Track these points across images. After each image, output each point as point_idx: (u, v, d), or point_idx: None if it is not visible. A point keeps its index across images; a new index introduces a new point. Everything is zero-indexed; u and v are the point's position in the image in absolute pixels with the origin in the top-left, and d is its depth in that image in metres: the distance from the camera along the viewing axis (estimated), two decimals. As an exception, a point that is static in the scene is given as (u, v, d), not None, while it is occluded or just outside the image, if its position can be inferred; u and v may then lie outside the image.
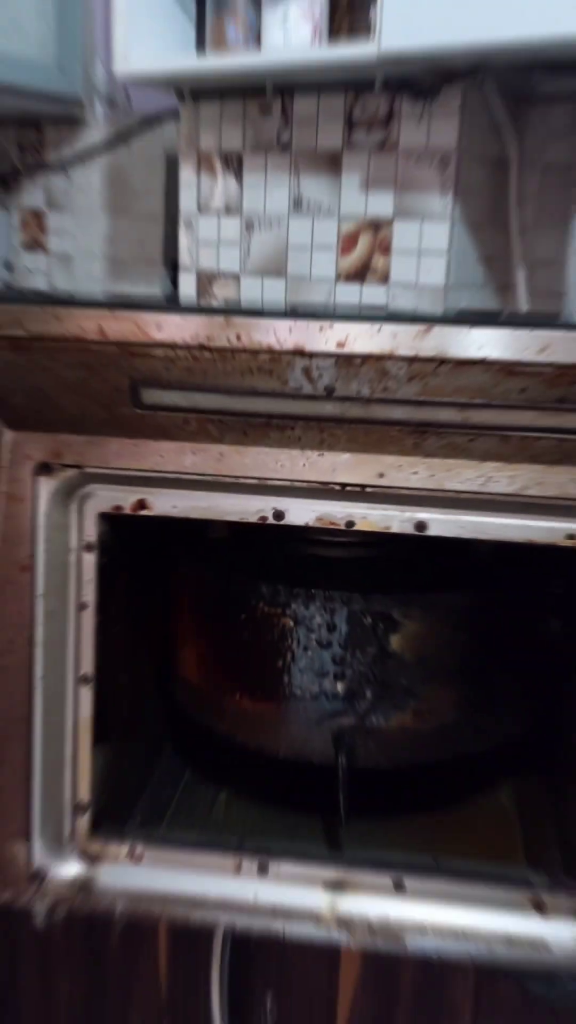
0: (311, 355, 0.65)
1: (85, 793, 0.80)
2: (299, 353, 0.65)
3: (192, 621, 0.99)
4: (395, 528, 0.72)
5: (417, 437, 0.68)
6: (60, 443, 0.74)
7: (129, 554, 0.83)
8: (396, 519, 0.72)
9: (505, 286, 1.22)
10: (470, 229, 1.14)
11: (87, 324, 0.67)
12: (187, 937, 0.95)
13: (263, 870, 0.79)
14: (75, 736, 0.79)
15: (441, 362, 0.64)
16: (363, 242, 1.19)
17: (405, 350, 0.64)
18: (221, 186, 1.27)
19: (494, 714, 0.92)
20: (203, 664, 0.98)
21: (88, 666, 0.79)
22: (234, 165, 1.25)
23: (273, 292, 1.27)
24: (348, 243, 1.20)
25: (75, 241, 1.59)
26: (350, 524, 0.72)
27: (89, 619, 0.78)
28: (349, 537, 0.78)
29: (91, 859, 0.81)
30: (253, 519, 0.73)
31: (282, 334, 0.65)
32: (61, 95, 1.47)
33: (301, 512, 0.73)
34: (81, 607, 0.78)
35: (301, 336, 0.65)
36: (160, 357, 0.67)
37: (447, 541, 0.72)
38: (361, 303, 1.19)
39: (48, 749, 0.79)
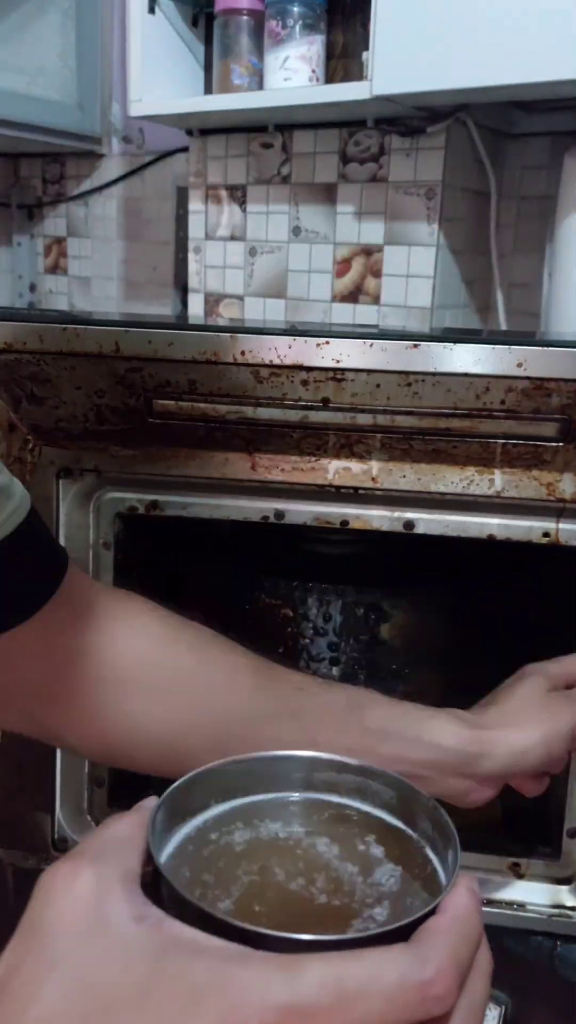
0: (309, 369, 0.65)
1: (102, 768, 0.80)
2: (298, 367, 0.65)
3: (200, 611, 0.98)
4: (385, 527, 0.71)
5: (405, 443, 0.68)
6: (80, 450, 0.73)
7: (143, 551, 0.83)
8: (386, 519, 0.71)
9: (486, 307, 1.22)
10: (454, 255, 1.14)
11: (104, 341, 0.66)
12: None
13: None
14: (94, 716, 0.78)
15: (427, 375, 0.64)
16: (356, 266, 1.19)
17: (395, 364, 0.64)
18: (227, 215, 1.27)
19: (477, 697, 0.91)
20: (210, 650, 0.97)
21: (106, 653, 0.78)
22: (239, 196, 1.25)
23: (274, 312, 1.27)
24: (342, 267, 1.20)
25: (93, 265, 1.59)
26: (344, 523, 0.72)
27: (106, 610, 0.78)
28: (343, 535, 0.77)
29: (108, 828, 0.81)
30: (256, 519, 0.73)
31: (282, 350, 0.65)
32: (81, 133, 1.47)
33: (300, 513, 0.72)
34: (99, 599, 0.78)
35: (300, 352, 0.65)
36: (171, 371, 0.67)
37: (433, 538, 0.72)
38: (354, 322, 1.19)
39: (69, 728, 0.78)
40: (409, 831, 0.38)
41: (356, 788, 0.40)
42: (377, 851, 0.37)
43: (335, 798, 0.40)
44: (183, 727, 0.54)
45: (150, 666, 0.53)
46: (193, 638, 0.56)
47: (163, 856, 0.35)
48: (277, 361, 0.65)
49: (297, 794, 0.40)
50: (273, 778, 0.40)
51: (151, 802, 0.36)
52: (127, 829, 0.35)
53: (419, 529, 0.71)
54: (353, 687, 0.60)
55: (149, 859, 0.34)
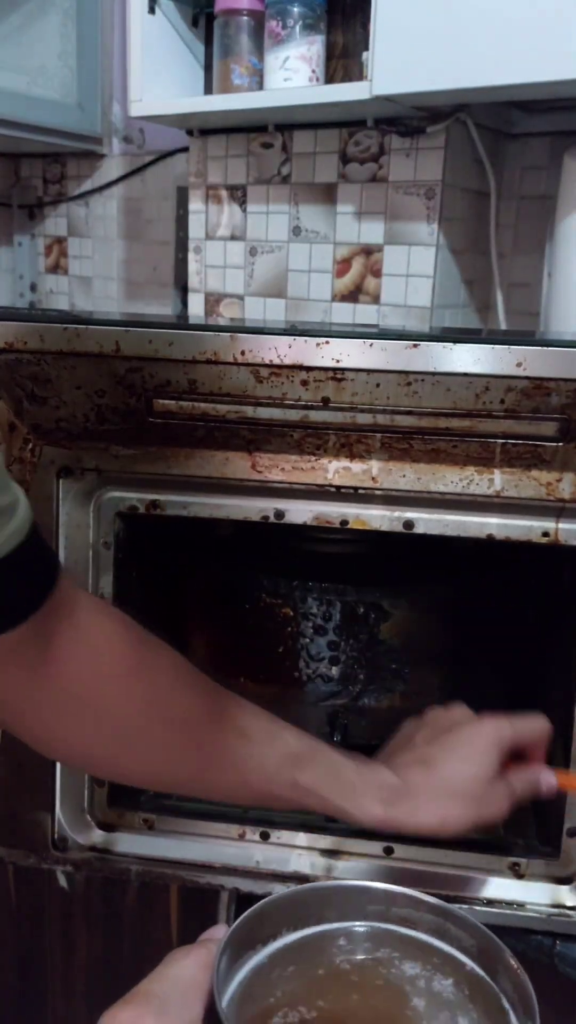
0: (309, 369, 0.65)
1: (103, 768, 0.80)
2: (298, 367, 0.65)
3: (200, 611, 0.99)
4: (385, 527, 0.71)
5: (405, 443, 0.68)
6: (80, 450, 0.73)
7: (143, 550, 0.83)
8: (386, 518, 0.71)
9: (485, 306, 1.22)
10: (453, 254, 1.14)
11: (104, 341, 0.66)
12: (196, 898, 0.94)
13: (265, 838, 0.79)
14: (94, 716, 0.78)
15: (427, 375, 0.64)
16: (356, 266, 1.19)
17: (395, 364, 0.64)
18: (227, 215, 1.27)
19: (475, 696, 0.91)
20: (210, 650, 0.97)
21: (106, 652, 0.78)
22: (239, 196, 1.25)
23: (274, 312, 1.26)
24: (342, 267, 1.20)
25: (94, 265, 1.59)
26: (344, 523, 0.72)
27: (107, 609, 0.78)
28: (343, 535, 0.77)
29: (108, 828, 0.81)
30: (256, 518, 0.73)
31: (282, 350, 0.65)
32: (82, 133, 1.47)
33: (300, 512, 0.72)
34: (100, 598, 0.78)
35: (300, 352, 0.65)
36: (171, 371, 0.67)
37: (432, 538, 0.71)
38: (354, 322, 1.19)
39: (69, 728, 0.78)
40: (490, 982, 0.36)
41: (435, 928, 0.38)
42: (455, 993, 0.35)
43: (414, 933, 0.38)
44: (127, 758, 0.55)
45: (108, 693, 0.53)
46: (155, 672, 0.55)
47: (226, 998, 0.34)
48: (277, 361, 0.65)
49: (370, 925, 0.38)
50: (346, 908, 0.38)
51: (219, 932, 0.35)
52: (192, 971, 0.35)
53: (419, 529, 0.71)
54: (300, 738, 0.60)
55: (213, 1004, 0.33)
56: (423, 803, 0.59)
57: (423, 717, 0.67)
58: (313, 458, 0.70)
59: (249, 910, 0.36)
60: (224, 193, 1.25)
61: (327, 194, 1.17)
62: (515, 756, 0.64)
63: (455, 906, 0.38)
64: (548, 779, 0.65)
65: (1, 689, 0.51)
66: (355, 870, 0.76)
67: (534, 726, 0.65)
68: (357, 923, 0.38)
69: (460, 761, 0.61)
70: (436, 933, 0.38)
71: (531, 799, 0.65)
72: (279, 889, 0.77)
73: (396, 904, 0.39)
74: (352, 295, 1.18)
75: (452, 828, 0.60)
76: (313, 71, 1.10)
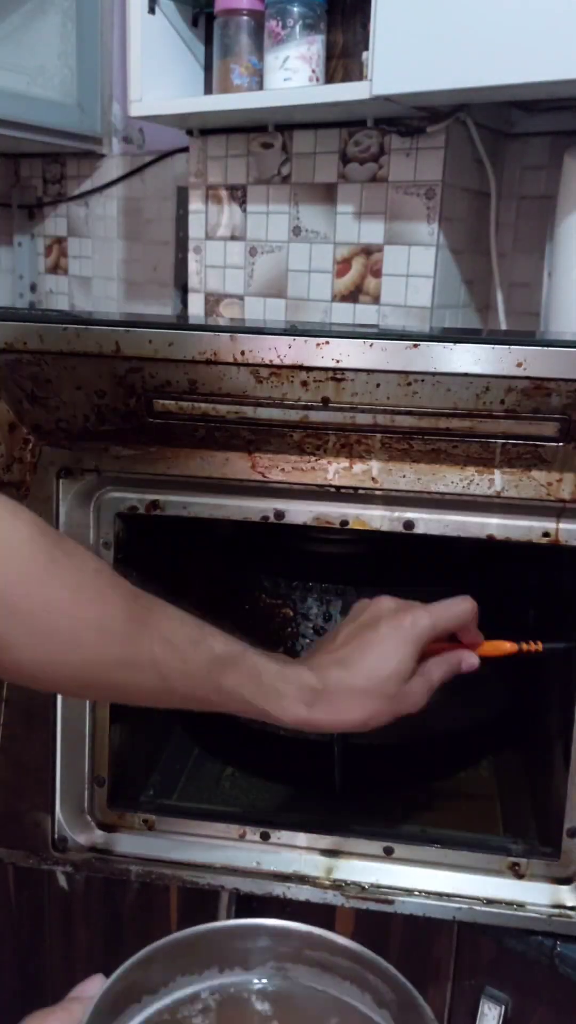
0: (309, 369, 0.65)
1: (103, 769, 0.80)
2: (298, 367, 0.65)
3: (200, 611, 0.98)
4: (385, 527, 0.71)
5: (405, 443, 0.68)
6: (80, 450, 0.73)
7: (143, 550, 0.83)
8: (386, 519, 0.71)
9: (485, 306, 1.22)
10: (453, 254, 1.14)
11: (104, 341, 0.66)
12: (196, 898, 0.94)
13: (265, 838, 0.78)
14: (93, 717, 0.78)
15: (427, 375, 0.64)
16: (356, 266, 1.18)
17: (395, 364, 0.64)
18: (227, 215, 1.27)
19: (476, 695, 0.91)
20: (210, 650, 0.97)
21: (106, 652, 0.78)
22: (239, 196, 1.25)
23: (274, 312, 1.26)
24: (342, 267, 1.19)
25: (93, 265, 1.59)
26: (344, 523, 0.72)
27: (107, 610, 0.78)
28: (343, 535, 0.77)
29: (108, 828, 0.81)
30: (256, 519, 0.73)
31: (282, 350, 0.65)
32: (82, 133, 1.47)
33: (299, 512, 0.72)
34: (99, 599, 0.78)
35: (300, 352, 0.65)
36: (171, 371, 0.67)
37: (433, 538, 0.71)
38: (354, 322, 1.19)
39: (69, 729, 0.78)
40: None
41: (352, 975, 0.34)
42: None
43: (324, 987, 0.34)
44: (47, 660, 0.53)
45: (22, 595, 0.51)
46: (71, 575, 0.54)
47: None
48: (277, 361, 0.65)
49: (278, 973, 0.33)
50: (253, 950, 0.34)
51: (91, 987, 0.31)
52: None
53: (419, 529, 0.71)
54: (226, 643, 0.60)
55: None
56: (343, 703, 0.60)
57: (350, 612, 0.67)
58: (313, 458, 0.70)
59: (133, 957, 0.32)
60: (224, 193, 1.25)
61: (327, 194, 1.17)
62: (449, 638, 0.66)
63: (370, 955, 0.35)
64: (468, 659, 0.67)
65: None
66: (355, 870, 0.76)
67: (455, 611, 0.66)
68: (261, 974, 0.34)
69: (376, 659, 0.61)
70: (353, 980, 0.35)
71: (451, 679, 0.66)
72: (279, 889, 0.77)
73: (311, 947, 0.35)
74: (352, 295, 1.18)
75: (373, 725, 0.62)
76: (313, 71, 1.10)
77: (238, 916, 0.89)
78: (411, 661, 0.62)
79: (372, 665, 0.61)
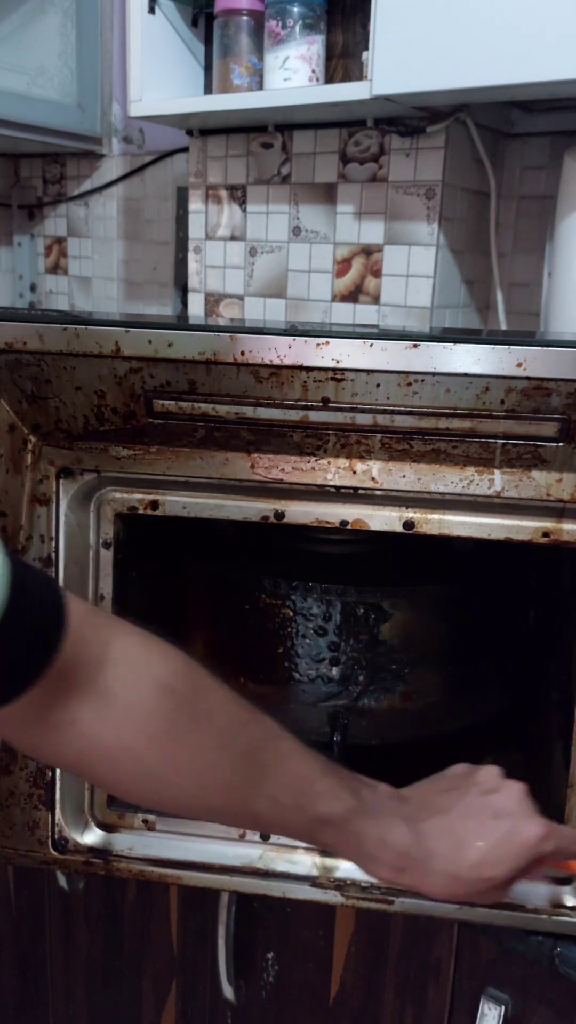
0: (308, 369, 0.65)
1: (103, 768, 0.80)
2: (298, 367, 0.65)
3: (200, 611, 0.99)
4: (385, 527, 0.71)
5: (405, 444, 0.68)
6: (80, 450, 0.73)
7: (143, 550, 0.83)
8: (386, 519, 0.71)
9: (485, 307, 1.22)
10: (453, 254, 1.14)
11: (104, 341, 0.66)
12: (196, 898, 0.94)
13: (265, 838, 0.78)
14: (94, 716, 0.78)
15: (427, 375, 0.64)
16: (356, 266, 1.18)
17: (395, 365, 0.64)
18: (227, 215, 1.27)
19: (476, 695, 0.91)
20: (210, 650, 0.97)
21: (106, 652, 0.78)
22: (239, 196, 1.25)
23: (274, 312, 1.26)
24: (342, 267, 1.19)
25: (93, 265, 1.59)
26: (344, 523, 0.72)
27: (107, 610, 0.78)
28: (343, 535, 0.77)
29: (108, 828, 0.81)
30: (256, 519, 0.73)
31: (282, 350, 0.65)
32: (82, 133, 1.47)
33: (299, 513, 0.72)
34: (99, 599, 0.78)
35: (300, 352, 0.65)
36: (171, 371, 0.67)
37: (433, 538, 0.71)
38: (354, 322, 1.19)
39: (69, 728, 0.78)
40: None
41: None
42: None
43: None
44: (153, 800, 0.55)
45: (144, 755, 0.52)
46: (193, 740, 0.54)
47: None
48: (277, 361, 0.65)
49: None
50: None
51: None
52: None
53: (419, 529, 0.71)
54: (331, 802, 0.58)
55: None
56: (435, 880, 0.58)
57: (476, 775, 0.63)
58: (313, 459, 0.70)
59: None
60: (224, 193, 1.25)
61: (327, 194, 1.17)
62: None
63: None
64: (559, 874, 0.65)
65: (11, 742, 0.51)
66: (356, 870, 0.76)
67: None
68: None
69: (490, 859, 0.58)
70: None
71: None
72: (279, 889, 0.77)
73: None
74: (352, 295, 1.18)
75: (450, 902, 0.63)
76: (313, 71, 1.10)
77: (238, 916, 0.89)
78: (520, 875, 0.59)
79: (483, 861, 0.58)
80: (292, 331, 0.65)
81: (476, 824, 0.59)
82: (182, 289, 1.40)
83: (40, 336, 0.67)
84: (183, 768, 0.53)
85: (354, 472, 0.70)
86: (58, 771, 0.79)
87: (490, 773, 0.63)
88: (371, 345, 0.63)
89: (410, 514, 0.71)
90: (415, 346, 0.63)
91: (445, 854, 0.58)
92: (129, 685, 0.51)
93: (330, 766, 0.59)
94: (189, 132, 1.26)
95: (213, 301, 1.30)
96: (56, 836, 0.80)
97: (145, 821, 0.80)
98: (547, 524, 0.69)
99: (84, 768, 0.54)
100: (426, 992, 0.86)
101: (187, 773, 0.54)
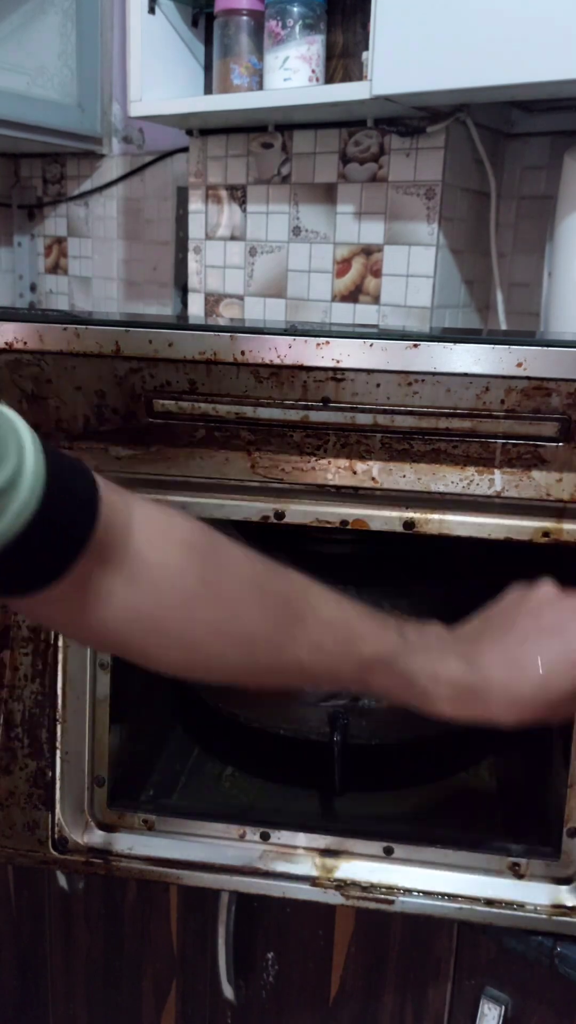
0: (309, 369, 0.65)
1: (103, 769, 0.80)
2: (298, 367, 0.65)
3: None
4: (385, 527, 0.71)
5: (405, 443, 0.68)
6: (80, 450, 0.73)
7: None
8: (386, 519, 0.71)
9: (485, 307, 1.22)
10: (453, 254, 1.14)
11: (104, 341, 0.66)
12: (196, 898, 0.94)
13: (265, 838, 0.79)
14: (94, 717, 0.78)
15: (427, 375, 0.64)
16: (356, 266, 1.19)
17: (395, 364, 0.64)
18: (227, 215, 1.27)
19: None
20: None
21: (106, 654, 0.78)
22: (239, 196, 1.25)
23: (274, 312, 1.26)
24: (342, 267, 1.20)
25: (93, 265, 1.59)
26: (344, 523, 0.72)
27: (107, 610, 0.78)
28: (343, 535, 0.77)
29: (109, 828, 0.81)
30: (256, 519, 0.73)
31: (282, 350, 0.65)
32: (82, 133, 1.47)
33: (300, 512, 0.72)
34: (99, 599, 0.78)
35: (300, 352, 0.65)
36: (171, 371, 0.67)
37: (433, 538, 0.71)
38: (354, 322, 1.19)
39: (69, 729, 0.78)
40: None
41: None
42: None
43: None
44: (194, 668, 0.55)
45: (172, 618, 0.52)
46: (221, 591, 0.54)
47: None
48: (277, 361, 0.65)
49: None
50: None
51: None
52: None
53: (419, 529, 0.71)
54: (375, 642, 0.58)
55: None
56: (502, 707, 0.57)
57: (529, 596, 0.62)
58: (313, 458, 0.70)
59: None
60: (224, 193, 1.25)
61: (327, 194, 1.17)
62: None
63: None
64: None
65: (56, 624, 0.53)
66: (355, 870, 0.76)
67: None
68: None
69: (556, 673, 0.57)
70: None
71: None
72: (279, 889, 0.77)
73: None
74: (352, 295, 1.18)
75: (519, 726, 0.58)
76: (313, 71, 1.10)
77: (238, 916, 0.89)
78: None
79: (546, 680, 0.56)
80: (292, 331, 0.65)
81: (532, 645, 0.58)
82: (182, 289, 1.40)
83: (40, 336, 0.67)
84: (221, 626, 0.53)
85: (354, 472, 0.70)
86: (58, 771, 0.79)
87: (543, 591, 0.62)
88: (371, 345, 0.63)
89: (410, 514, 0.71)
90: (415, 346, 0.63)
91: (505, 680, 0.57)
92: (156, 546, 0.52)
93: (370, 611, 0.59)
94: (189, 132, 1.26)
95: (213, 301, 1.30)
96: (56, 836, 0.80)
97: (145, 821, 0.80)
98: (547, 524, 0.69)
99: (127, 642, 0.53)
100: (426, 992, 0.86)
101: (225, 631, 0.54)
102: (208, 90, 1.26)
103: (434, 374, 0.63)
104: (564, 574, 0.82)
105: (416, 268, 1.12)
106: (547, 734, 0.83)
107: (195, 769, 0.96)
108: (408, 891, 0.75)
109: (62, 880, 0.96)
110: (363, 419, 0.67)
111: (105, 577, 0.49)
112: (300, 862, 0.78)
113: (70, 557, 0.47)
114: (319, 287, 1.21)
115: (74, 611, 0.50)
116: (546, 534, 0.69)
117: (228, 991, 0.92)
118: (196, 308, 1.32)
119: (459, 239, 1.13)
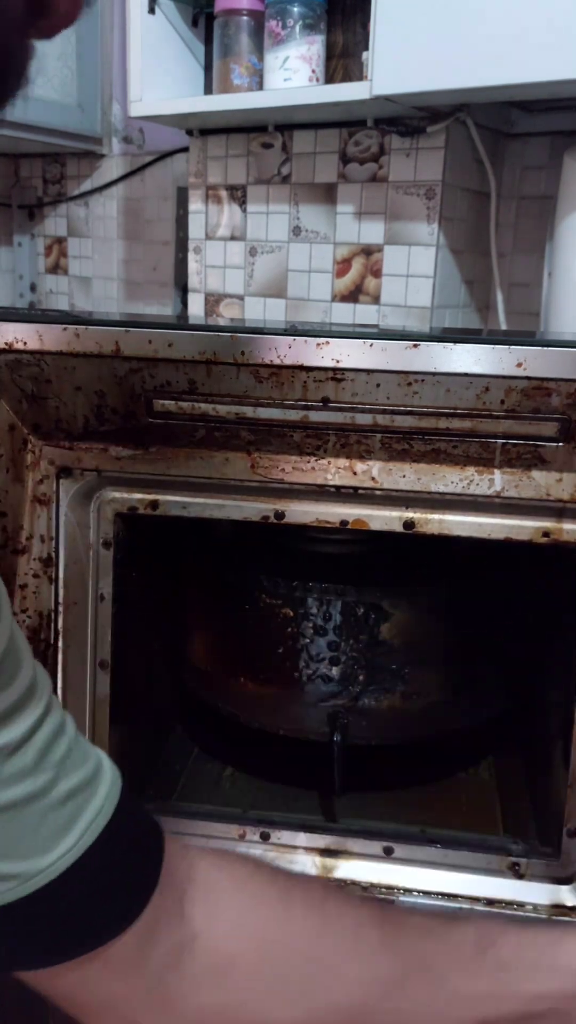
0: (308, 369, 0.65)
1: (103, 768, 0.80)
2: (298, 367, 0.65)
3: (200, 611, 0.99)
4: (385, 527, 0.71)
5: (405, 443, 0.68)
6: (80, 450, 0.73)
7: (143, 550, 0.83)
8: (386, 519, 0.71)
9: (485, 307, 1.22)
10: (453, 254, 1.14)
11: (104, 341, 0.66)
12: (196, 898, 0.94)
13: (265, 838, 0.79)
14: (93, 716, 0.78)
15: (427, 375, 0.64)
16: (356, 266, 1.18)
17: (395, 364, 0.64)
18: (227, 215, 1.27)
19: (476, 696, 0.91)
20: (210, 650, 0.97)
21: (106, 652, 0.78)
22: (239, 196, 1.25)
23: (274, 312, 1.26)
24: (343, 267, 1.19)
25: (93, 265, 1.59)
26: (344, 523, 0.72)
27: (107, 610, 0.78)
28: (343, 535, 0.77)
29: (109, 828, 0.81)
30: (256, 519, 0.73)
31: (282, 350, 0.65)
32: (82, 133, 1.47)
33: (300, 513, 0.72)
34: (99, 599, 0.78)
35: (300, 352, 0.65)
36: (171, 371, 0.67)
37: (433, 538, 0.71)
38: (354, 322, 1.19)
39: (69, 728, 0.78)
40: None
41: None
42: None
43: None
44: (308, 1015, 0.45)
45: (261, 951, 0.45)
46: (306, 906, 0.47)
47: None
48: (277, 361, 0.65)
49: None
50: None
51: None
52: None
53: (419, 529, 0.71)
54: (477, 917, 0.52)
55: None
56: None
57: None
58: (313, 458, 0.70)
59: None
60: (224, 193, 1.25)
61: (327, 194, 1.17)
62: None
63: None
64: None
65: (124, 998, 0.43)
66: (355, 870, 0.77)
67: None
68: None
69: None
70: None
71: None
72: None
73: None
74: (352, 295, 1.18)
75: None
76: (313, 71, 1.10)
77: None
78: None
79: None
80: (292, 331, 0.65)
81: None
82: (182, 289, 1.40)
83: (40, 336, 0.67)
84: (313, 943, 0.46)
85: (354, 472, 0.70)
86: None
87: None
88: (371, 345, 0.63)
89: (410, 514, 0.71)
90: (415, 346, 0.63)
91: None
92: (224, 880, 0.46)
93: None
94: (189, 132, 1.26)
95: (213, 301, 1.30)
96: (56, 836, 0.80)
97: (145, 821, 0.80)
98: (547, 524, 0.69)
99: (201, 999, 0.44)
100: (426, 992, 0.86)
101: (324, 946, 0.46)
102: (208, 90, 1.26)
103: (434, 374, 0.63)
104: (562, 574, 0.82)
105: (416, 268, 1.12)
106: (547, 734, 0.83)
107: (195, 770, 0.96)
108: (408, 891, 0.75)
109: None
110: (363, 419, 0.67)
111: (179, 925, 0.43)
112: (300, 862, 0.78)
113: (143, 894, 0.41)
114: (319, 287, 1.21)
115: (143, 962, 0.42)
116: (546, 534, 0.69)
117: (228, 991, 0.92)
118: (196, 308, 1.32)
119: (459, 239, 1.13)
